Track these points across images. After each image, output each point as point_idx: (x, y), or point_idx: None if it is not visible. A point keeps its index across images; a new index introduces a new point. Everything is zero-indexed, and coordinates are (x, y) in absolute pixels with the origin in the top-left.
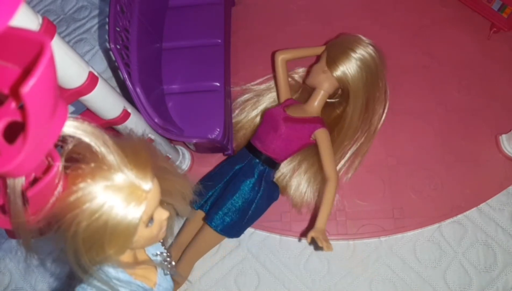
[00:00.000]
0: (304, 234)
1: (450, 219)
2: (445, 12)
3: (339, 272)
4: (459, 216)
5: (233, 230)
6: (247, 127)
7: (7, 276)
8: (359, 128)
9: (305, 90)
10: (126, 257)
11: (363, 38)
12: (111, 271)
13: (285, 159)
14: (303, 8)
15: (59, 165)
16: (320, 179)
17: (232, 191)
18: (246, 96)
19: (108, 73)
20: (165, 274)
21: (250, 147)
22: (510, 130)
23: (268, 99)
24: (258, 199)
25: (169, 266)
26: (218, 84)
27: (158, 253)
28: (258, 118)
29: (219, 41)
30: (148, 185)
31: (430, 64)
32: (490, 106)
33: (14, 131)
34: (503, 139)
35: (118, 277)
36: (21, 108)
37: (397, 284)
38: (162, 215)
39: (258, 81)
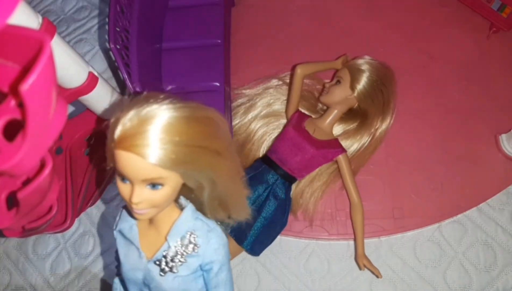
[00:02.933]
0: (304, 233)
1: (450, 219)
2: (444, 12)
3: (339, 272)
4: (459, 216)
5: (261, 248)
6: (241, 133)
7: (7, 276)
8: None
9: (307, 99)
10: None
11: (385, 65)
12: None
13: (304, 176)
14: (303, 8)
15: (50, 166)
16: (324, 189)
17: (259, 211)
18: (238, 101)
19: (108, 73)
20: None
21: (270, 163)
22: (510, 130)
23: (261, 105)
24: (285, 220)
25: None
26: (218, 84)
27: None
28: (252, 124)
29: (219, 41)
30: None
31: (429, 64)
32: (489, 106)
33: (14, 129)
34: (503, 139)
35: None
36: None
37: (397, 284)
38: None
39: (249, 85)
